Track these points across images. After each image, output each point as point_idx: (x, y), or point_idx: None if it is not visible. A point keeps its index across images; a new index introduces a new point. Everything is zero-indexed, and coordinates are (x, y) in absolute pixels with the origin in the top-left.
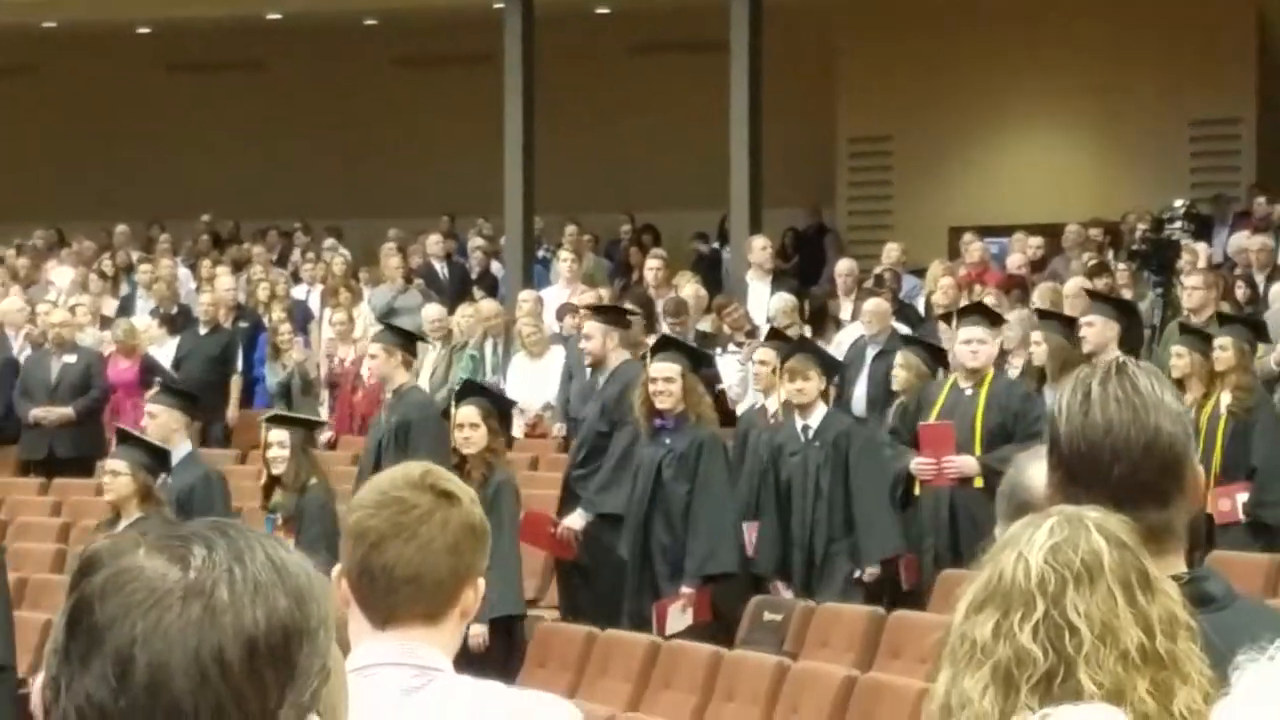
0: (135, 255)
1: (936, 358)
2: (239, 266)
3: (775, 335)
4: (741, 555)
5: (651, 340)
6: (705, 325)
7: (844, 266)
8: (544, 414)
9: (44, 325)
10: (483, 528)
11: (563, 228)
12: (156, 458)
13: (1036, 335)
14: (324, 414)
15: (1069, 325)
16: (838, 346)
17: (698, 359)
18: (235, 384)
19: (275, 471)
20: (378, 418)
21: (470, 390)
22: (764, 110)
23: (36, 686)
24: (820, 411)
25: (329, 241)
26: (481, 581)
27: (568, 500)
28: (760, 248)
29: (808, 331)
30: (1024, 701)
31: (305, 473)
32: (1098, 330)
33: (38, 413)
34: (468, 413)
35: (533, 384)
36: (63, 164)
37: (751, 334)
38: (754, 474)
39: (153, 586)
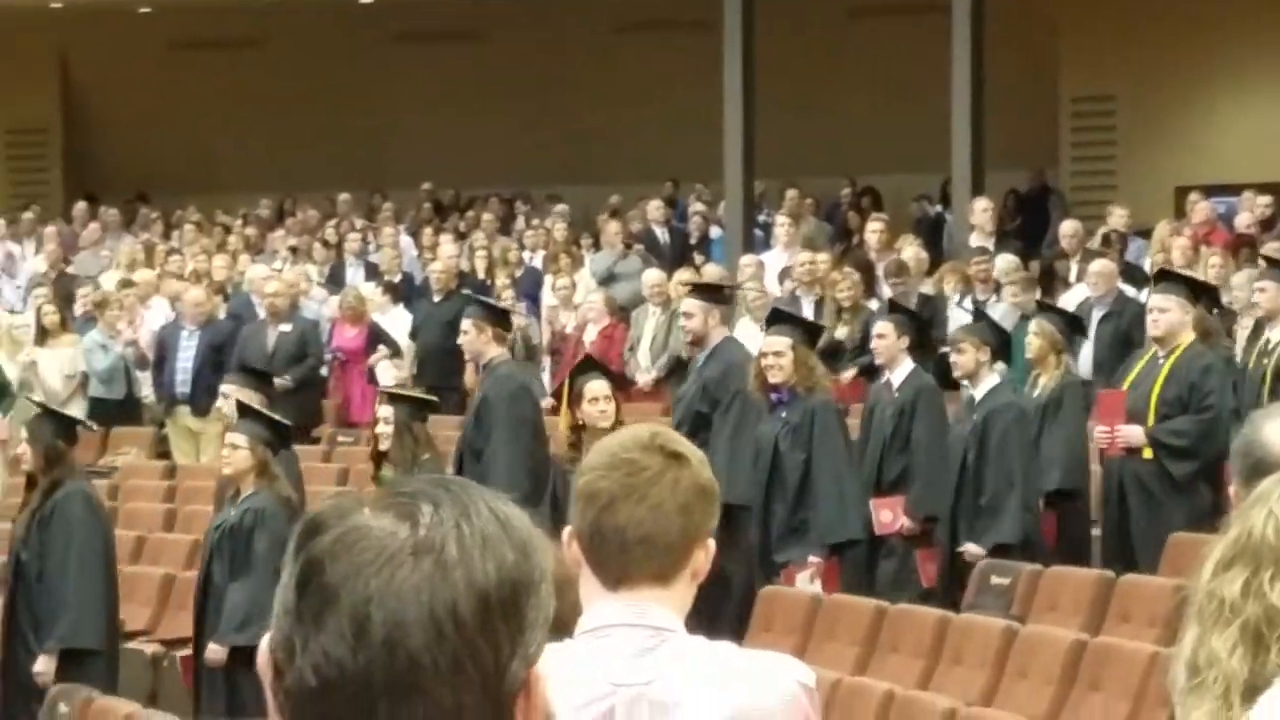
0: (358, 223)
1: (1073, 326)
2: (460, 235)
3: (895, 308)
4: (866, 523)
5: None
6: (927, 287)
7: (1068, 228)
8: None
9: (260, 294)
10: (712, 488)
11: (783, 192)
12: (276, 432)
13: (1262, 284)
14: (546, 380)
15: None
16: (1064, 307)
17: (810, 331)
18: None
19: (382, 447)
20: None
21: (589, 366)
22: (986, 71)
23: (263, 645)
24: (987, 382)
25: (560, 207)
26: (711, 542)
27: None
28: (982, 209)
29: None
30: (1274, 660)
31: (411, 449)
32: None
33: (226, 388)
34: (597, 387)
35: (756, 347)
36: (287, 135)
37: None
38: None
39: (383, 545)
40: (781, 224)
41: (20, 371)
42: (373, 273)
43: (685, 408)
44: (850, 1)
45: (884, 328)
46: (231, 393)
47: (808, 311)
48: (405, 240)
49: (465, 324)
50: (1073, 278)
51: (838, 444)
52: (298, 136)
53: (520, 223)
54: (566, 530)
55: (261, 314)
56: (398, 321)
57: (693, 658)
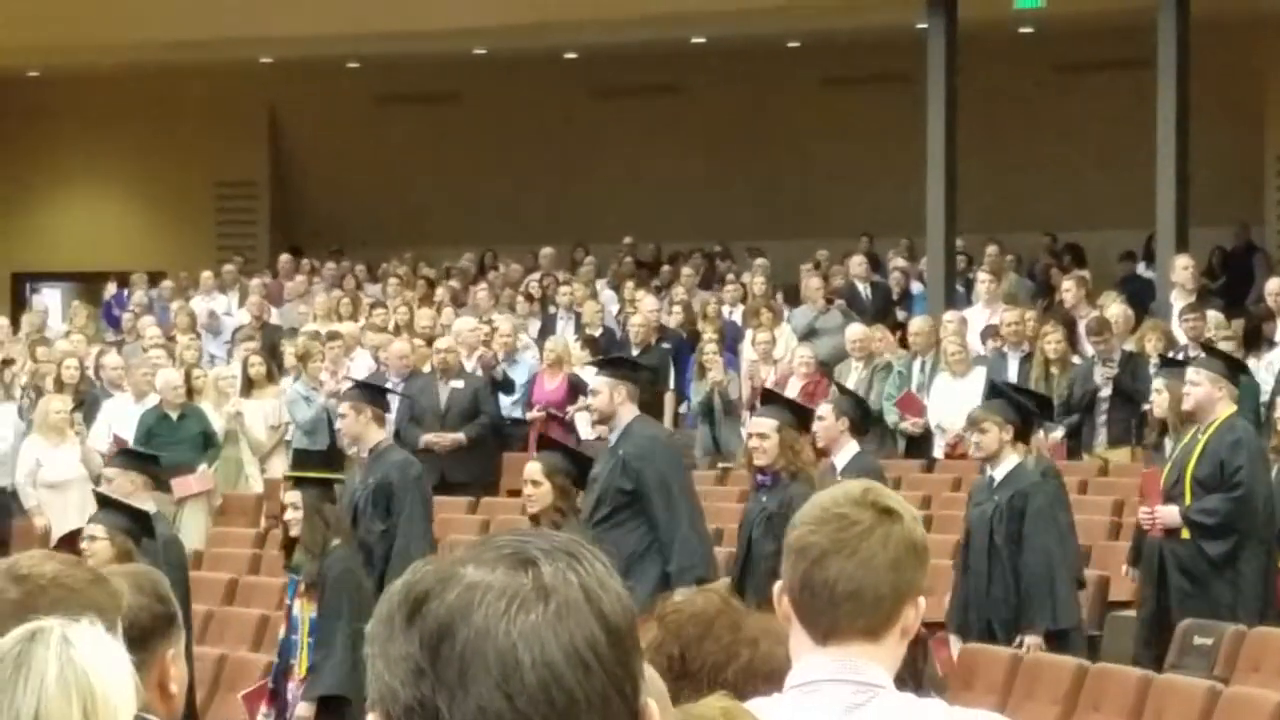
0: (560, 277)
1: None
2: (661, 289)
3: (841, 390)
4: None
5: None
6: (1130, 345)
7: (1274, 285)
8: (965, 434)
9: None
10: (924, 545)
11: (984, 248)
12: (137, 521)
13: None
14: (743, 434)
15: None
16: (1269, 366)
17: (799, 413)
18: (669, 400)
19: (292, 534)
20: (351, 478)
21: (543, 445)
22: (1190, 127)
23: None
24: (1007, 462)
25: (760, 261)
26: (922, 600)
27: None
28: (1183, 267)
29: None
30: None
31: (321, 535)
32: None
33: (429, 438)
34: (530, 468)
35: (956, 403)
36: (489, 188)
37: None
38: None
39: (511, 593)
40: (983, 280)
41: (226, 423)
42: (577, 326)
43: (604, 485)
44: (1055, 57)
45: (824, 410)
46: (114, 477)
47: (1013, 368)
48: (607, 294)
49: (343, 407)
50: (1278, 336)
51: None
52: (499, 190)
53: (721, 277)
54: (777, 585)
55: (470, 365)
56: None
57: (902, 715)
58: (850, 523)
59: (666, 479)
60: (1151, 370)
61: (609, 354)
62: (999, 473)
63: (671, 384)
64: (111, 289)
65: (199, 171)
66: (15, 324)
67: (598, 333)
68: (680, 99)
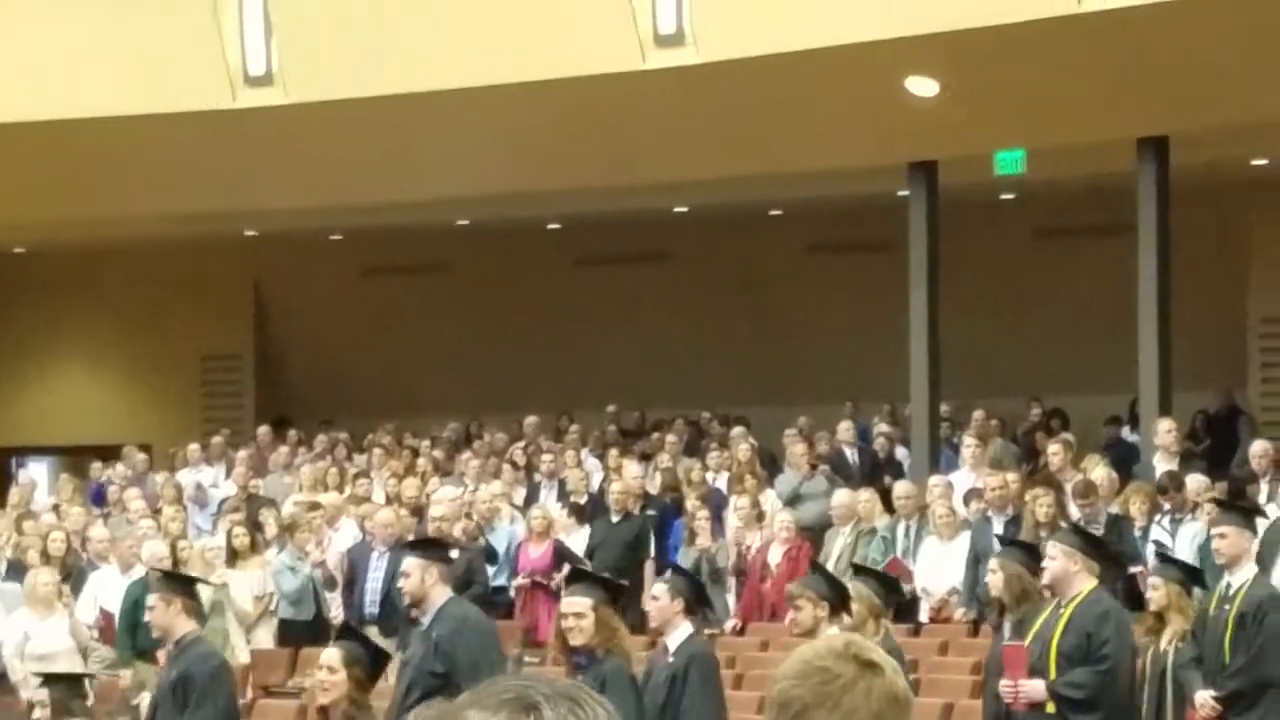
0: (544, 445)
1: (1036, 559)
2: (645, 456)
3: (676, 569)
4: None
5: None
6: (1115, 508)
7: (1258, 448)
8: (950, 598)
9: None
10: (905, 698)
11: (968, 412)
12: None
13: (1220, 529)
14: (730, 602)
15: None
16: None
17: (612, 590)
18: (649, 569)
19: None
20: (161, 675)
21: (342, 633)
22: (1173, 291)
23: None
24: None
25: (739, 429)
26: None
27: None
28: (1165, 430)
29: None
30: None
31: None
32: None
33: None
34: (328, 655)
35: (942, 566)
36: (474, 358)
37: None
38: None
39: None
40: (969, 445)
41: (212, 593)
42: (562, 493)
43: (415, 670)
44: (1036, 222)
45: (659, 589)
46: (154, 604)
47: (997, 531)
48: (591, 462)
49: (151, 599)
50: (1263, 498)
51: (628, 710)
52: (485, 359)
53: (706, 444)
54: None
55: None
56: (584, 542)
57: None
58: (833, 676)
59: (477, 661)
60: (1137, 533)
61: (592, 521)
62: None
63: (652, 551)
64: (99, 469)
65: (185, 345)
66: (2, 498)
67: (583, 500)
68: (664, 266)
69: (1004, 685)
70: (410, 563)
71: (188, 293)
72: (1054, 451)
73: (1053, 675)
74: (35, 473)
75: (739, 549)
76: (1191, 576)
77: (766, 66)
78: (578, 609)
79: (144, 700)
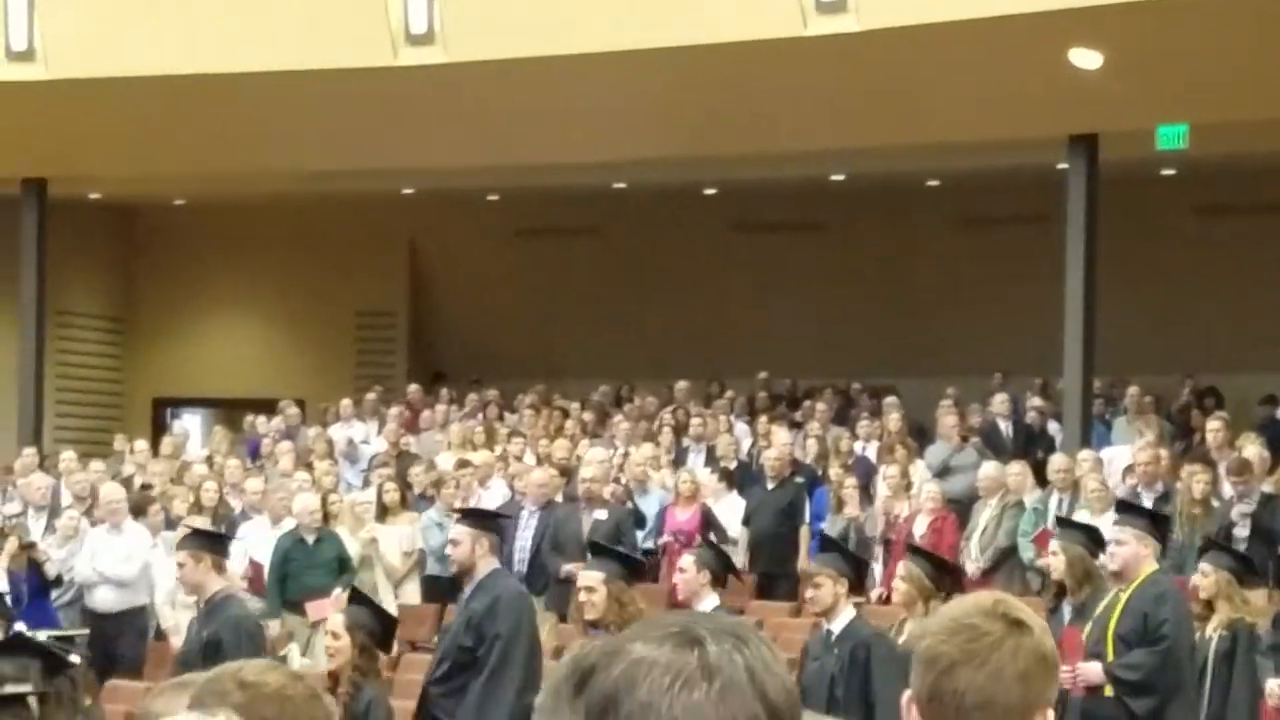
0: (693, 410)
1: (1098, 542)
2: (795, 425)
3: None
4: None
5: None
6: (1268, 486)
7: None
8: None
9: (581, 480)
10: (1054, 658)
11: (1124, 388)
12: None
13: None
14: (878, 571)
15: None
16: None
17: (629, 564)
18: (804, 534)
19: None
20: (190, 629)
21: (353, 599)
22: None
23: None
24: (844, 615)
25: (889, 400)
26: (1050, 712)
27: (422, 716)
28: None
29: None
30: None
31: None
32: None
33: (569, 568)
34: (333, 620)
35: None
36: (626, 322)
37: None
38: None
39: (677, 670)
40: (1122, 420)
41: (361, 548)
42: (711, 458)
43: (449, 643)
44: (1196, 199)
45: (685, 562)
46: (183, 560)
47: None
48: (741, 428)
49: (180, 555)
50: None
51: None
52: (636, 323)
53: (856, 413)
54: (905, 694)
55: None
56: (733, 508)
57: None
58: (980, 634)
59: (510, 639)
60: None
61: (741, 487)
62: (836, 626)
63: (807, 518)
64: (253, 422)
65: (339, 301)
66: (155, 448)
67: (732, 465)
68: (819, 235)
69: (1062, 670)
70: (460, 531)
71: (344, 249)
72: (1213, 429)
73: (1110, 659)
74: (189, 424)
75: (887, 518)
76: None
77: (927, 36)
78: (589, 583)
79: (292, 651)
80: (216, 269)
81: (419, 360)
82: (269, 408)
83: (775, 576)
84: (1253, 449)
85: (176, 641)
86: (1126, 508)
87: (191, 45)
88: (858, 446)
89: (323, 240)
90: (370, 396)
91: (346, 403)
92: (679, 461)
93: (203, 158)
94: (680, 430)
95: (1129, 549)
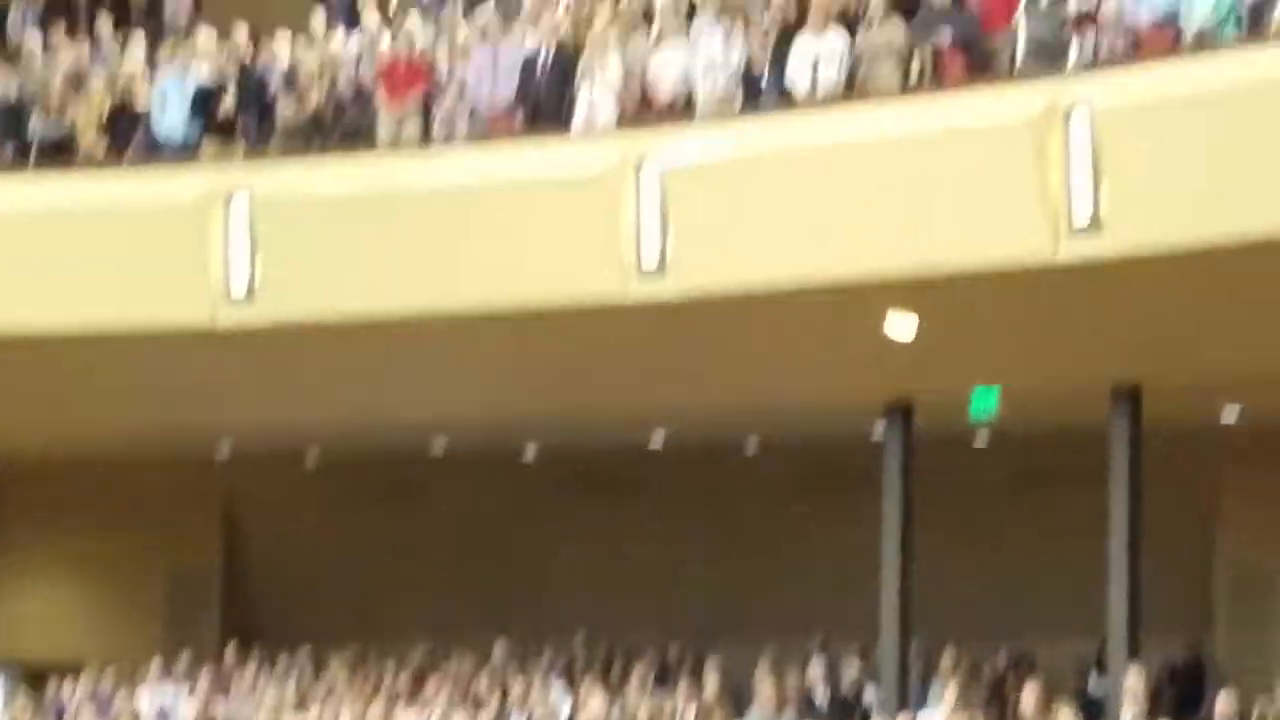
0: (511, 673)
1: None
2: (613, 687)
3: None
4: None
5: None
6: None
7: (1223, 705)
8: None
9: None
10: None
11: (938, 653)
12: None
13: None
14: None
15: None
16: None
17: None
18: None
19: None
20: None
21: None
22: (1142, 538)
23: None
24: None
25: (706, 664)
26: None
27: None
28: (1133, 678)
29: None
30: None
31: None
32: None
33: None
34: None
35: None
36: (445, 584)
37: None
38: None
39: None
40: (938, 685)
41: None
42: None
43: None
44: (1011, 466)
45: None
46: None
47: None
48: (559, 690)
49: None
50: None
51: None
52: (455, 585)
53: (674, 676)
54: None
55: None
56: None
57: None
58: None
59: None
60: None
61: None
62: None
63: None
64: (58, 686)
65: (151, 561)
66: None
67: None
68: (639, 497)
69: None
70: None
71: (157, 509)
72: (1026, 696)
73: None
74: None
75: None
76: None
77: (744, 302)
78: None
79: None
80: (25, 528)
81: (232, 621)
82: (75, 670)
83: None
84: (1064, 715)
85: None
86: None
87: (5, 302)
88: (678, 709)
89: (136, 500)
90: (181, 659)
91: (156, 665)
92: None
93: (13, 415)
94: (497, 693)
95: None
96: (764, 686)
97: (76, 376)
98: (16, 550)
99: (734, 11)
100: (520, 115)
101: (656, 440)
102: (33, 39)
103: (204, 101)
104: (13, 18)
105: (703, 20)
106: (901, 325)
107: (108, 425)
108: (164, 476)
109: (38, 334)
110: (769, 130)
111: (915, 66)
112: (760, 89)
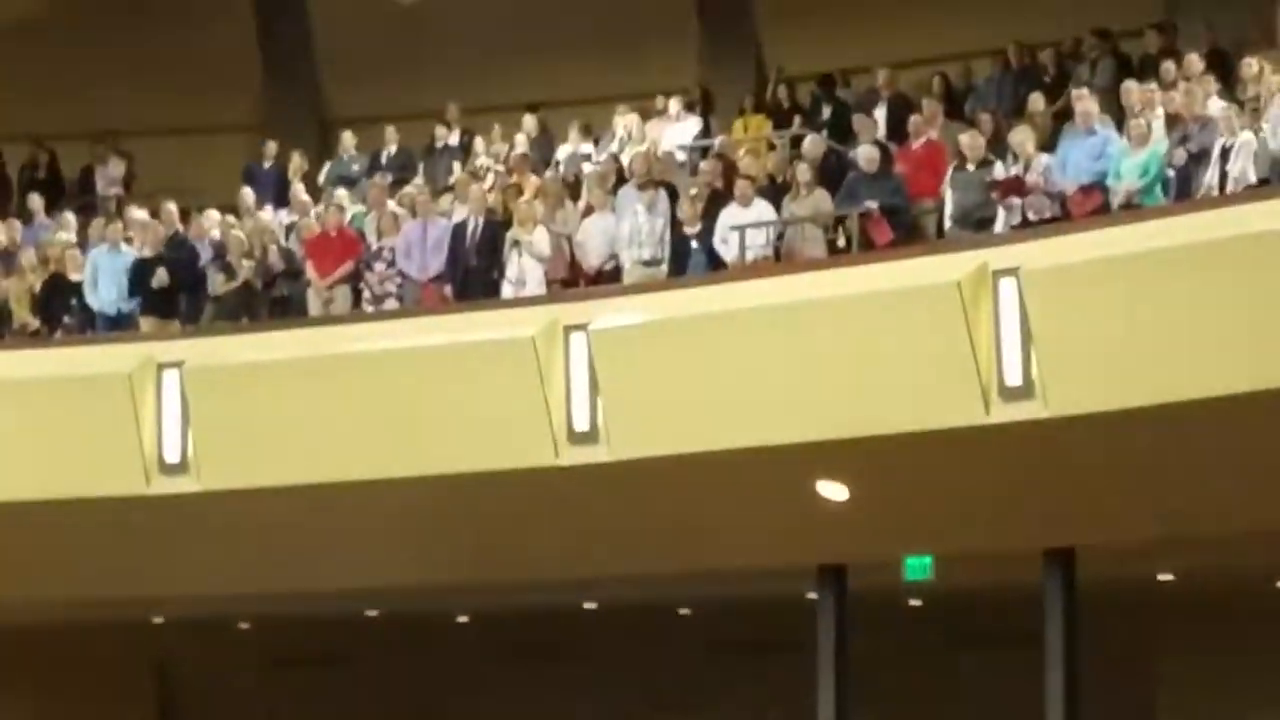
0: None
1: None
2: None
3: None
4: None
5: None
6: None
7: None
8: None
9: None
10: None
11: None
12: None
13: None
14: None
15: None
16: None
17: None
18: None
19: None
20: None
21: None
22: (1080, 701)
23: None
24: None
25: None
26: None
27: None
28: None
29: None
30: None
31: None
32: None
33: None
34: None
35: None
36: None
37: None
38: None
39: None
40: None
41: None
42: None
43: None
44: (945, 628)
45: None
46: None
47: None
48: None
49: None
50: None
51: None
52: None
53: None
54: None
55: None
56: None
57: None
58: None
59: None
60: None
61: None
62: None
63: None
64: None
65: None
66: None
67: None
68: (572, 662)
69: None
70: None
71: (90, 678)
72: None
73: None
74: None
75: None
76: None
77: (674, 467)
78: None
79: None
80: None
81: None
82: None
83: None
84: None
85: None
86: None
87: None
88: None
89: (69, 669)
90: None
91: None
92: None
93: None
94: None
95: None
96: None
97: (9, 544)
98: None
99: (659, 183)
100: (450, 285)
101: (589, 603)
102: None
103: (140, 275)
104: None
105: (629, 189)
106: (833, 489)
107: (37, 594)
108: (97, 646)
109: None
110: (698, 297)
111: (842, 235)
112: (688, 256)
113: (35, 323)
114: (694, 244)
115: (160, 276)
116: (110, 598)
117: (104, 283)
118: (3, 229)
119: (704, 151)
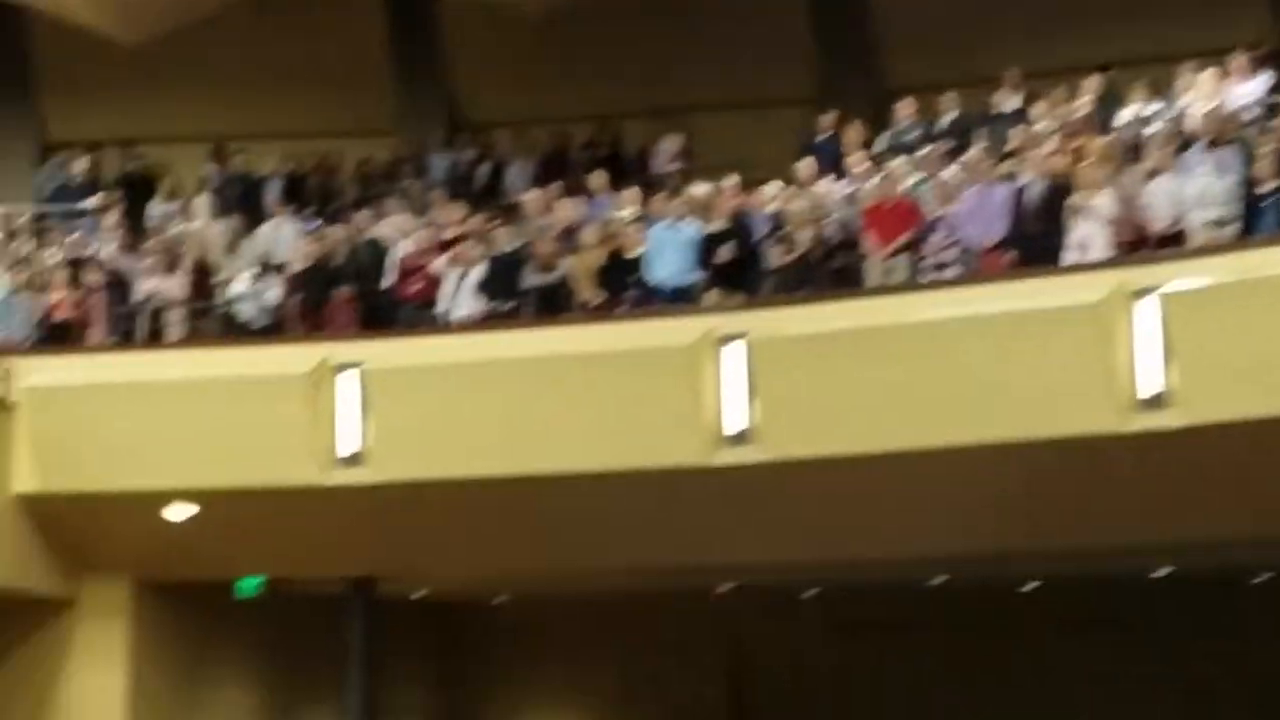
0: None
1: None
2: None
3: None
4: None
5: None
6: None
7: None
8: None
9: None
10: None
11: None
12: None
13: None
14: None
15: None
16: None
17: None
18: None
19: None
20: None
21: None
22: None
23: None
24: None
25: None
26: None
27: None
28: None
29: None
30: None
31: None
32: None
33: None
34: None
35: None
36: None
37: None
38: None
39: None
40: None
41: None
42: None
43: None
44: None
45: None
46: None
47: None
48: None
49: None
50: None
51: None
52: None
53: None
54: None
55: None
56: None
57: None
58: None
59: None
60: None
61: None
62: None
63: None
64: None
65: (656, 704)
66: None
67: None
68: (1135, 631)
69: None
70: None
71: (666, 650)
72: None
73: None
74: None
75: None
76: None
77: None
78: None
79: None
80: (523, 662)
81: None
82: None
83: None
84: None
85: None
86: None
87: (513, 447)
88: None
89: (646, 640)
90: None
91: None
92: None
93: (524, 556)
94: None
95: None
96: None
97: (579, 517)
98: (515, 683)
99: (1229, 141)
100: (1011, 252)
101: (1156, 571)
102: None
103: (707, 248)
104: (511, 175)
105: (1196, 149)
106: None
107: (609, 565)
108: (673, 615)
109: (546, 474)
110: (1271, 257)
111: None
112: (1260, 216)
113: (597, 299)
114: (1265, 203)
115: (728, 250)
116: (680, 565)
117: (665, 257)
118: (568, 206)
119: (1273, 108)
